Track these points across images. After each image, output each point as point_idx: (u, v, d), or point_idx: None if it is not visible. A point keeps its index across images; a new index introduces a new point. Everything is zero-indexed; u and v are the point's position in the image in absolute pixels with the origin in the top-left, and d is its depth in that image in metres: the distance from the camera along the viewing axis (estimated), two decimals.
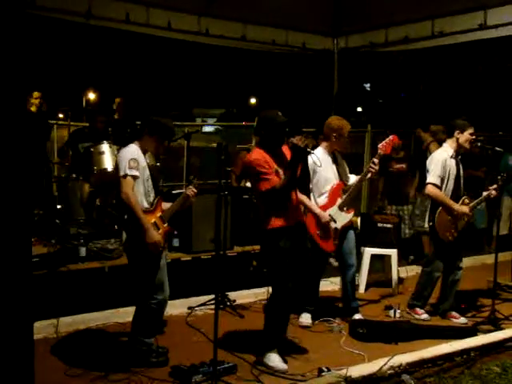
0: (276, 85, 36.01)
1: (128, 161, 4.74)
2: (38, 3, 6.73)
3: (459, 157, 6.36)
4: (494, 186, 6.40)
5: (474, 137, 6.27)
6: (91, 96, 34.46)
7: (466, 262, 6.82)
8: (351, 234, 6.28)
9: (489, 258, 8.53)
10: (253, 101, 43.14)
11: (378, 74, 31.05)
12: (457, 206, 6.23)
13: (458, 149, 6.28)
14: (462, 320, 6.38)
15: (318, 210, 6.02)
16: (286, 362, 5.06)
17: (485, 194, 6.40)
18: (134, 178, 4.76)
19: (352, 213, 6.21)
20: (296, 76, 32.54)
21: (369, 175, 6.08)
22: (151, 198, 4.95)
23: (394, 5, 8.33)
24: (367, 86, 37.41)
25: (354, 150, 12.06)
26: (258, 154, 5.07)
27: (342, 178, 6.19)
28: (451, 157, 6.26)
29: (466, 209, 6.28)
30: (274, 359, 5.01)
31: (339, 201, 6.10)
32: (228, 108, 43.65)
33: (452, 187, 6.27)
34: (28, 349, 3.32)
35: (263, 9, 8.40)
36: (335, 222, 6.07)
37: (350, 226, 6.25)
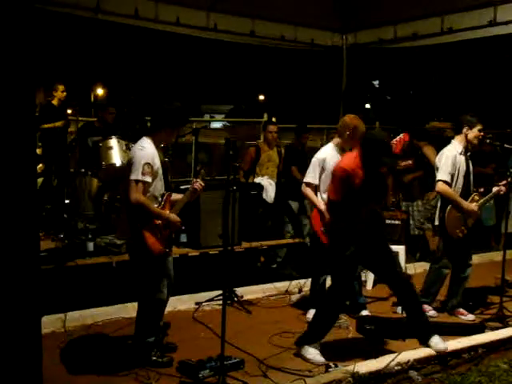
0: (285, 81, 35.96)
1: (143, 165, 4.65)
2: None
3: (468, 153, 6.32)
4: (503, 182, 6.38)
5: (482, 133, 6.23)
6: (99, 92, 34.52)
7: (474, 259, 6.78)
8: None
9: (497, 255, 8.50)
10: (261, 97, 43.09)
11: (386, 71, 30.96)
12: (466, 204, 6.19)
13: (466, 145, 6.25)
14: (470, 317, 6.37)
15: (322, 207, 5.98)
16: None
17: (494, 190, 6.37)
18: (145, 183, 4.70)
19: None
20: (304, 72, 32.46)
21: None
22: (159, 197, 4.93)
23: (403, 1, 8.30)
24: (376, 82, 37.30)
25: None
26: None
27: None
28: (460, 153, 6.22)
29: (475, 207, 6.25)
30: (312, 352, 5.12)
31: None
32: (236, 104, 43.63)
33: (462, 184, 6.24)
34: (36, 343, 3.33)
35: (272, 4, 8.40)
36: None
37: None
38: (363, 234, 5.16)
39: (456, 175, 6.18)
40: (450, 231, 6.20)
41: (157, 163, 4.82)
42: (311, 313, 6.16)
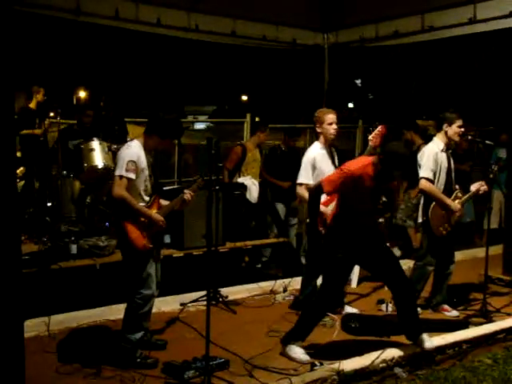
0: (267, 81, 35.95)
1: (126, 162, 4.75)
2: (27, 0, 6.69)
3: (450, 150, 6.36)
4: (482, 182, 6.42)
5: (462, 129, 6.26)
6: (82, 94, 34.26)
7: (457, 255, 6.82)
8: None
9: (480, 252, 8.53)
10: (244, 97, 43.08)
11: (368, 70, 31.03)
12: (449, 201, 6.22)
13: (447, 142, 6.28)
14: (454, 313, 6.41)
15: (322, 207, 6.00)
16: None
17: (473, 189, 6.39)
18: (129, 180, 4.77)
19: None
20: (287, 72, 32.47)
21: None
22: (147, 198, 4.95)
23: None
24: (358, 81, 37.38)
25: (346, 146, 12.07)
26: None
27: None
28: (442, 150, 6.25)
29: (458, 204, 6.29)
30: (297, 351, 5.15)
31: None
32: (219, 105, 43.54)
33: (444, 181, 6.26)
34: (18, 347, 3.31)
35: (253, 4, 8.38)
36: None
37: None
38: (362, 240, 5.19)
39: (438, 172, 6.21)
40: (434, 229, 6.22)
41: (142, 163, 4.87)
42: None
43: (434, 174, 6.18)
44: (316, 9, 9.20)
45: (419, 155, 6.35)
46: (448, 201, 6.22)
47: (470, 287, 7.32)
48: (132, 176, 4.77)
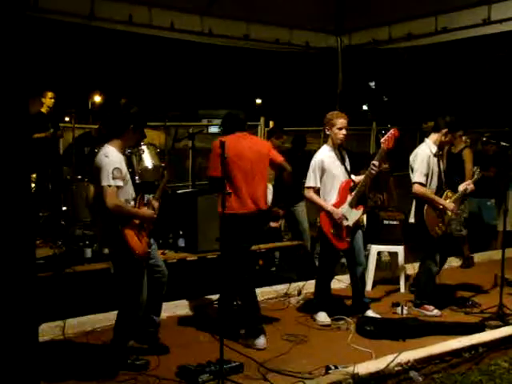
0: (280, 84, 35.96)
1: (111, 170, 4.62)
2: (40, 5, 6.73)
3: (440, 152, 6.44)
4: (470, 181, 6.61)
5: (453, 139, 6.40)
6: (97, 99, 34.49)
7: (474, 257, 6.78)
8: (360, 232, 6.27)
9: (495, 254, 8.49)
10: (258, 101, 43.12)
11: (382, 72, 30.95)
12: (443, 202, 6.34)
13: (441, 146, 6.39)
14: (435, 312, 6.42)
15: (330, 207, 6.00)
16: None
17: (461, 189, 6.51)
18: (118, 187, 4.68)
19: (362, 209, 6.18)
20: (300, 75, 32.47)
21: (370, 176, 6.06)
22: (132, 202, 4.90)
23: (397, 1, 8.30)
24: (372, 84, 37.28)
25: (360, 149, 12.04)
26: None
27: (350, 175, 6.17)
28: (434, 155, 6.31)
29: (452, 205, 6.37)
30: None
31: (349, 198, 6.07)
32: (233, 108, 43.66)
33: (436, 184, 6.35)
34: (34, 350, 3.32)
35: (266, 7, 8.37)
36: (347, 219, 6.04)
37: (357, 224, 6.23)
38: None
39: (430, 176, 6.29)
40: (430, 230, 6.28)
41: (124, 168, 4.80)
42: (322, 316, 6.14)
43: (427, 178, 6.23)
44: (329, 11, 9.18)
45: (411, 158, 6.37)
46: (441, 201, 6.32)
47: (486, 290, 7.27)
48: (120, 183, 4.67)
